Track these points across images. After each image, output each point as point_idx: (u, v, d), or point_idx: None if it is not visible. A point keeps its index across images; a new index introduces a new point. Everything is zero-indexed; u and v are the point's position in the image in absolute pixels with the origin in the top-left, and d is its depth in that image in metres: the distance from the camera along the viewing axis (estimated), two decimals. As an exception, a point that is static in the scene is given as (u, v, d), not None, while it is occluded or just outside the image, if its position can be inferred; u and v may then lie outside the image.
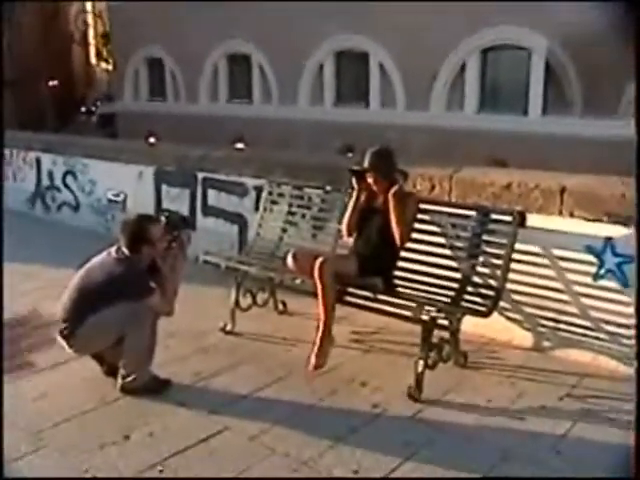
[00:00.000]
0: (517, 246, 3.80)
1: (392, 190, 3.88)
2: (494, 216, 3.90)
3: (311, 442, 3.18)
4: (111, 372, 3.80)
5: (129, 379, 3.64)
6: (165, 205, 6.66)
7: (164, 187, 6.70)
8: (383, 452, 3.10)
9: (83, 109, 30.62)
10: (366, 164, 4.00)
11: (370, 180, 4.00)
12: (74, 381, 3.84)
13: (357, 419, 3.39)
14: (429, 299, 3.76)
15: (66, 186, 8.18)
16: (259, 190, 5.52)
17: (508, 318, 4.25)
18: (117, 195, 7.41)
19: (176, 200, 6.50)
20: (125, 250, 3.64)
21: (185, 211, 6.28)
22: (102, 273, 3.62)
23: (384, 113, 15.10)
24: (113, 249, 3.71)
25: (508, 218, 3.80)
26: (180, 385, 3.77)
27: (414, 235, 4.06)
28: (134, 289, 3.57)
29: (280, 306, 4.90)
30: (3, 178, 9.05)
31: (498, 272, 3.78)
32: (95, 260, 3.75)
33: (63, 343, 3.66)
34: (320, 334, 3.82)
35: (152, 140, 11.63)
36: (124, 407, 3.55)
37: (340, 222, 4.38)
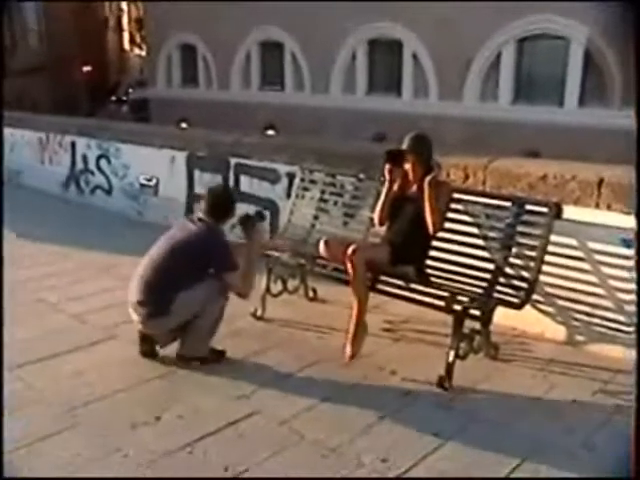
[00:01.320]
0: (552, 238, 3.76)
1: (428, 177, 3.87)
2: (529, 207, 3.86)
3: (341, 429, 3.19)
4: (149, 353, 3.88)
5: (188, 348, 3.77)
6: (198, 190, 6.72)
7: (196, 172, 6.76)
8: (413, 440, 3.10)
9: (114, 97, 30.60)
10: (405, 147, 3.99)
11: (407, 165, 3.99)
12: (108, 361, 3.90)
13: (387, 407, 3.39)
14: (461, 289, 3.75)
15: (100, 170, 8.28)
16: (291, 177, 5.54)
17: (541, 311, 4.21)
18: (149, 180, 7.48)
19: (208, 185, 6.52)
20: (207, 219, 3.71)
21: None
22: (192, 241, 3.64)
23: (417, 103, 15.02)
24: (188, 221, 3.80)
25: (544, 209, 3.77)
26: (211, 368, 3.81)
27: (447, 225, 4.05)
28: (223, 259, 3.65)
29: (310, 293, 4.92)
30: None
31: (532, 264, 3.75)
32: (173, 233, 3.78)
33: (136, 319, 3.72)
34: (354, 322, 3.85)
35: (184, 125, 11.68)
36: (155, 388, 3.60)
37: (373, 210, 4.38)
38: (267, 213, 4.04)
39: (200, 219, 3.75)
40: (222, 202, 3.80)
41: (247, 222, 3.88)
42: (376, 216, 4.22)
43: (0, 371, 3.46)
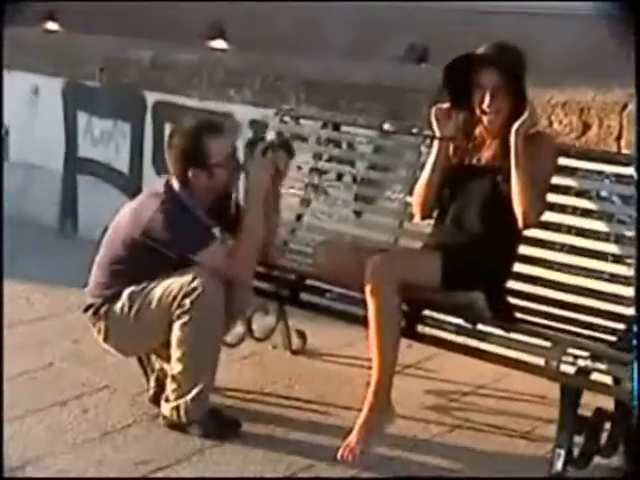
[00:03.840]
0: None
1: (518, 123, 3.88)
2: None
3: None
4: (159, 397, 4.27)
5: (177, 404, 4.07)
6: (87, 151, 6.75)
7: (83, 117, 6.81)
8: None
9: None
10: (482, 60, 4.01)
11: (486, 94, 3.97)
12: None
13: None
14: (574, 334, 3.77)
15: None
16: (259, 128, 5.56)
17: None
18: (-10, 129, 7.48)
19: (105, 141, 6.62)
20: (174, 180, 4.22)
21: (123, 163, 6.36)
22: (134, 222, 4.17)
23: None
24: (160, 181, 4.37)
25: None
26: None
27: (547, 216, 4.06)
28: (179, 242, 4.08)
29: (295, 340, 4.99)
30: None
31: None
32: (127, 206, 4.38)
33: (95, 333, 4.24)
34: (369, 398, 3.85)
35: (54, 26, 11.63)
36: None
37: (410, 191, 4.45)
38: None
39: (167, 181, 4.26)
40: (183, 152, 4.19)
41: (251, 150, 4.34)
42: (415, 201, 4.28)
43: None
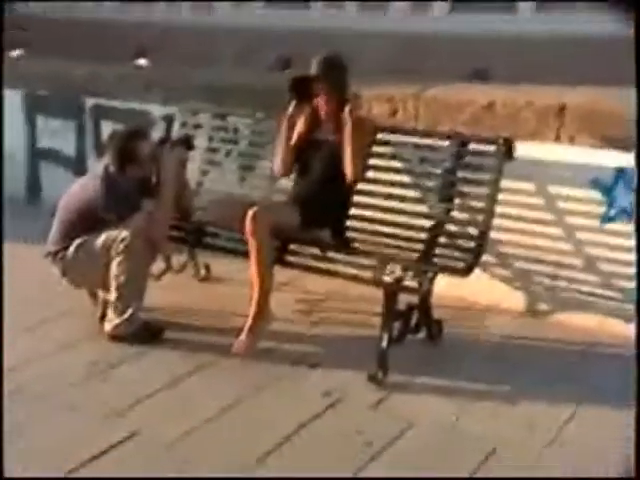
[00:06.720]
0: (503, 183, 3.83)
1: (347, 109, 3.90)
2: (473, 146, 3.92)
3: (246, 447, 3.17)
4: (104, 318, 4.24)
5: (117, 322, 4.09)
6: (44, 142, 6.56)
7: (40, 118, 6.60)
8: (339, 453, 3.13)
9: None
10: (313, 72, 4.02)
11: (318, 95, 4.01)
12: None
13: (306, 411, 3.41)
14: (392, 255, 3.80)
15: None
16: (169, 120, 5.49)
17: (494, 275, 4.31)
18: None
19: (58, 135, 6.42)
20: (112, 167, 4.17)
21: (71, 149, 6.26)
22: (82, 194, 4.19)
23: (330, 16, 14.94)
24: (101, 165, 4.27)
25: (491, 148, 3.82)
26: (67, 382, 3.72)
27: (371, 174, 4.10)
28: (114, 209, 4.08)
29: (202, 271, 4.93)
30: None
31: (480, 217, 3.82)
32: (77, 182, 4.38)
33: (57, 271, 4.23)
34: (254, 308, 3.87)
35: (17, 52, 11.24)
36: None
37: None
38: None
39: (107, 166, 4.19)
40: (119, 152, 4.16)
41: (162, 146, 4.23)
42: (276, 164, 4.26)
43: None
